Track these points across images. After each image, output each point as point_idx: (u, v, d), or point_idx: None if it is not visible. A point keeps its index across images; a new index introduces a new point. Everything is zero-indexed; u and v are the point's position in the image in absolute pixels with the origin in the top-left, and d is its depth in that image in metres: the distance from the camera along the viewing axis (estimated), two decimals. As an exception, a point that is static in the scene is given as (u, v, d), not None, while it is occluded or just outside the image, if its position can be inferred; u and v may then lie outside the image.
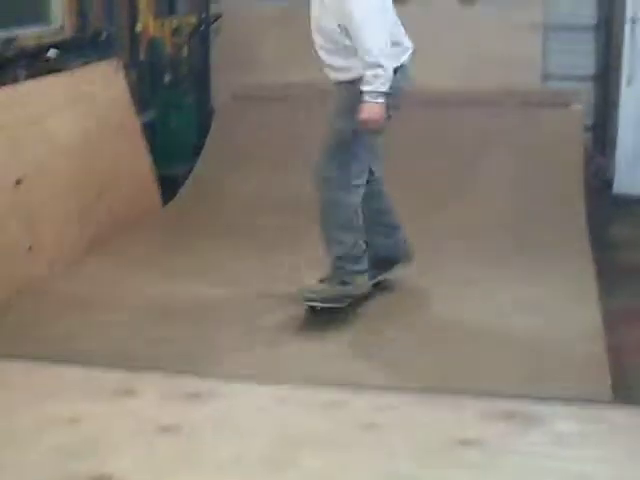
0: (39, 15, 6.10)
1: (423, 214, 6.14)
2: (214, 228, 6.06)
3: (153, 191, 6.41)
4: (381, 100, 4.39)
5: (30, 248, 5.06)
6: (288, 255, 5.45)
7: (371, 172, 4.79)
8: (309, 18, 4.52)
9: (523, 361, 4.13)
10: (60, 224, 5.29)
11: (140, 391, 2.86)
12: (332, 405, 2.85)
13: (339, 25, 4.45)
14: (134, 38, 6.91)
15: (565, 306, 4.82)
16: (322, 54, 4.63)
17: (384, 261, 4.92)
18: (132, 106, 6.35)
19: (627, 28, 6.81)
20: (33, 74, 5.69)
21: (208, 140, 7.16)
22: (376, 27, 4.42)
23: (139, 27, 6.99)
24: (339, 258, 4.61)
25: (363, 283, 4.71)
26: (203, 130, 7.22)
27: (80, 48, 6.15)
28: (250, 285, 5.00)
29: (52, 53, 5.83)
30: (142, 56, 6.97)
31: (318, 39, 4.63)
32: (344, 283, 4.62)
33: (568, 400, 3.38)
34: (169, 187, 6.65)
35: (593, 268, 5.37)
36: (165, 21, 7.24)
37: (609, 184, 7.02)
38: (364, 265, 4.70)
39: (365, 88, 4.38)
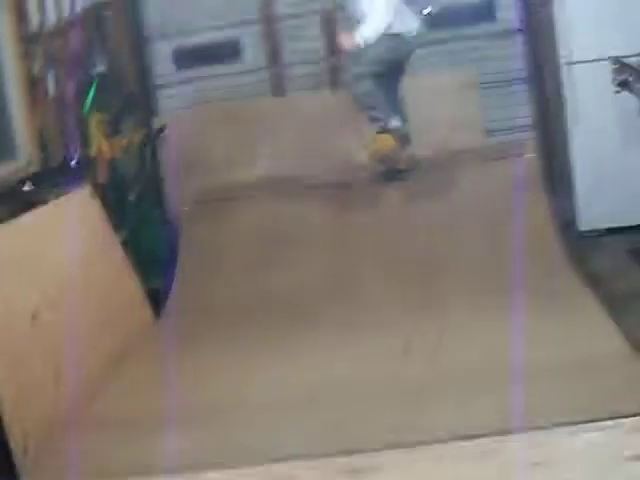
0: (6, 152, 6.00)
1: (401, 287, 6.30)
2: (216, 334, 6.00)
3: (145, 308, 6.35)
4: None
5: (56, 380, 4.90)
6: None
7: None
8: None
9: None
10: (76, 354, 5.18)
11: (300, 477, 2.75)
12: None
13: None
14: (91, 163, 6.86)
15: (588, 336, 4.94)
16: None
17: None
18: (110, 229, 6.30)
19: (564, 71, 7.01)
20: (12, 210, 5.60)
21: (180, 250, 7.13)
22: None
23: (93, 151, 6.93)
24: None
25: None
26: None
27: (52, 179, 6.07)
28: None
29: (28, 186, 5.76)
30: (102, 179, 6.87)
31: None
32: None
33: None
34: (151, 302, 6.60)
35: (594, 298, 5.50)
36: (114, 141, 7.22)
37: (569, 224, 7.20)
38: None
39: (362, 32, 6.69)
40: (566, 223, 7.23)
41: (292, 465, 2.78)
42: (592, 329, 5.05)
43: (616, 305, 5.48)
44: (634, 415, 2.91)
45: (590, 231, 7.23)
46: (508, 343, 5.05)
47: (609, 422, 2.81)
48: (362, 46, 6.75)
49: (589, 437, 2.72)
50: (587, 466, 2.54)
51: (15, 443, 4.16)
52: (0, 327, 4.58)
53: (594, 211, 7.22)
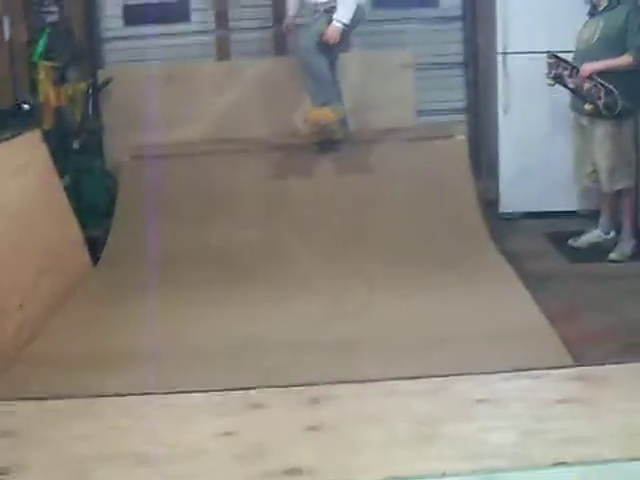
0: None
1: (330, 250, 6.60)
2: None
3: (84, 254, 6.53)
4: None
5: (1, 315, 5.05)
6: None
7: None
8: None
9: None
10: (25, 289, 5.34)
11: (266, 404, 3.01)
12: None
13: None
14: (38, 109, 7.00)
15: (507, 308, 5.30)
16: None
17: None
18: (56, 174, 6.47)
19: (500, 61, 7.36)
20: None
21: (117, 201, 7.31)
22: None
23: (40, 97, 7.06)
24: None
25: None
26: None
27: (3, 120, 6.22)
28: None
29: None
30: (47, 125, 7.01)
31: None
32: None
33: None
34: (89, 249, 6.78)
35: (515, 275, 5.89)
36: (61, 90, 7.36)
37: (490, 204, 7.57)
38: None
39: (338, 16, 6.73)
40: (488, 204, 7.56)
41: (256, 393, 3.05)
42: (512, 302, 5.40)
43: (533, 283, 5.81)
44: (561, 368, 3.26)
45: (510, 213, 7.60)
46: (432, 310, 5.38)
47: (540, 372, 3.15)
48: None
49: (523, 383, 3.07)
50: (523, 405, 2.88)
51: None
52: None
53: (515, 195, 7.58)
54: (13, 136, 6.17)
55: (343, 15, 6.84)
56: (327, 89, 7.11)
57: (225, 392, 3.04)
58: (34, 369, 4.75)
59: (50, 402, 3.00)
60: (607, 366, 3.19)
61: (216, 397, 3.01)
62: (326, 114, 7.13)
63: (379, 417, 2.82)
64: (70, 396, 3.05)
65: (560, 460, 2.47)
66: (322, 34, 6.85)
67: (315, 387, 3.00)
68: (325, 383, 3.05)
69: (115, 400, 3.08)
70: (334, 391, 2.97)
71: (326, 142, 7.38)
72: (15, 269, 5.35)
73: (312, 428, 2.75)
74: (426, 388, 2.97)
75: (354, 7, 6.86)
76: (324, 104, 7.08)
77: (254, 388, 3.06)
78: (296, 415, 2.84)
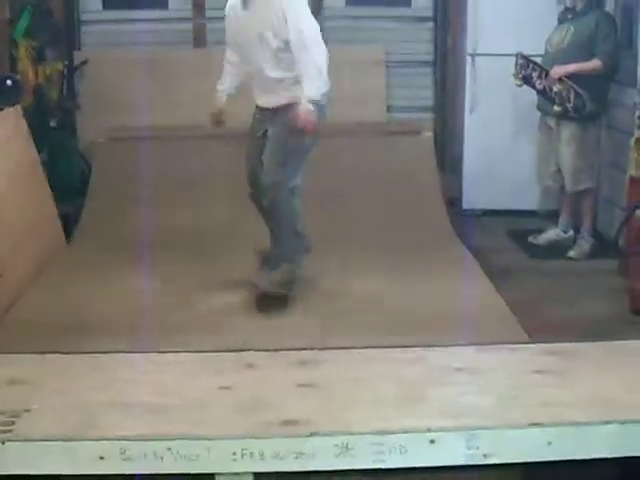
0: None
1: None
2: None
3: (58, 229, 6.67)
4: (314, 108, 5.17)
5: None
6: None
7: None
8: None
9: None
10: (3, 258, 5.48)
11: (258, 364, 3.20)
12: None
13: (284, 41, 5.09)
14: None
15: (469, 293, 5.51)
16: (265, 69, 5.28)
17: None
18: (35, 150, 6.60)
19: (468, 62, 7.60)
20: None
21: (91, 180, 7.45)
22: (323, 47, 5.26)
23: (20, 75, 7.18)
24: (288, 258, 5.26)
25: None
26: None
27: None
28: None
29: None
30: (25, 102, 7.12)
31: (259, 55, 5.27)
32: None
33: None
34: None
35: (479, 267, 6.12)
36: (39, 68, 7.49)
37: (454, 201, 7.81)
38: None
39: (308, 94, 5.18)
40: (452, 201, 7.80)
41: (249, 354, 3.25)
42: (474, 288, 5.64)
43: (494, 276, 6.02)
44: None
45: (472, 210, 7.83)
46: (396, 293, 5.58)
47: (515, 345, 3.38)
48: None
49: (500, 354, 3.29)
50: (500, 374, 3.10)
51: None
52: None
53: (478, 192, 7.79)
54: (-4, 111, 6.28)
55: (312, 91, 5.26)
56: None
57: (219, 353, 3.22)
58: (14, 334, 4.88)
59: (55, 356, 3.16)
60: (578, 343, 3.42)
61: (212, 356, 3.18)
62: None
63: (366, 379, 3.01)
64: (72, 352, 3.20)
65: (535, 421, 2.67)
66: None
67: (303, 351, 3.18)
68: (312, 348, 3.23)
69: (117, 356, 3.24)
70: (321, 356, 3.15)
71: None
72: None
73: (304, 385, 2.92)
74: (408, 356, 3.17)
75: (324, 80, 5.37)
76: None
77: (247, 350, 3.24)
78: (288, 374, 3.02)
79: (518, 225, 7.49)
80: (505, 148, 7.63)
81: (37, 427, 2.69)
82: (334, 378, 3.02)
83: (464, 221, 7.60)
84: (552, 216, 7.22)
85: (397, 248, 6.59)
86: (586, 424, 2.68)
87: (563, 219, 6.92)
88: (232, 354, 3.21)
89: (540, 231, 7.05)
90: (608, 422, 2.68)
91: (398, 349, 3.26)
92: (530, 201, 7.67)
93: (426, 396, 2.86)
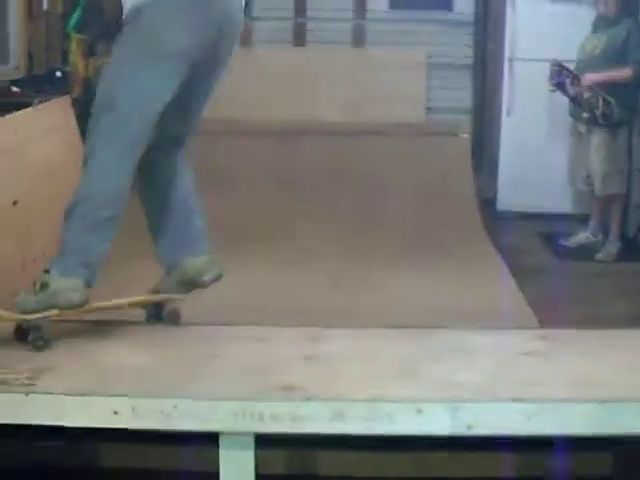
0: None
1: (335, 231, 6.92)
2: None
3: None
4: None
5: (25, 261, 5.47)
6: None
7: None
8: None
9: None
10: (48, 242, 5.74)
11: (264, 338, 3.43)
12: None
13: None
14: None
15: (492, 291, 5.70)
16: None
17: None
18: (80, 139, 6.87)
19: (506, 66, 7.78)
20: (1, 108, 6.15)
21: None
22: None
23: (70, 67, 7.48)
24: None
25: None
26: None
27: (38, 85, 6.64)
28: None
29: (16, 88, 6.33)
30: (75, 94, 7.41)
31: None
32: None
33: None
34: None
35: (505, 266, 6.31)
36: (89, 62, 7.78)
37: (488, 202, 7.99)
38: None
39: None
40: (486, 202, 7.97)
41: (260, 329, 3.49)
42: (498, 286, 5.83)
43: (521, 275, 6.19)
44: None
45: (506, 212, 7.98)
46: (423, 287, 5.78)
47: (513, 331, 3.59)
48: None
49: (495, 337, 3.50)
50: (491, 354, 3.31)
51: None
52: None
53: (513, 195, 7.96)
54: (45, 100, 6.57)
55: None
56: None
57: (231, 327, 3.46)
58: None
59: (82, 324, 3.43)
60: (571, 330, 3.61)
61: (225, 329, 3.43)
62: None
63: (365, 354, 3.24)
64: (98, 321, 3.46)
65: (516, 397, 2.88)
66: None
67: (313, 328, 3.41)
68: (322, 326, 3.46)
69: (141, 327, 3.51)
70: (328, 332, 3.38)
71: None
72: (40, 223, 5.75)
73: (308, 358, 3.16)
74: (407, 335, 3.39)
75: None
76: None
77: (258, 325, 3.49)
78: (294, 348, 3.25)
79: (550, 227, 7.60)
80: (540, 152, 7.78)
81: (58, 383, 2.94)
82: (337, 352, 3.23)
83: (497, 222, 7.73)
84: (584, 219, 7.31)
85: (427, 244, 6.78)
86: (565, 401, 2.87)
87: (593, 223, 7.07)
88: (245, 327, 3.43)
89: (571, 234, 7.15)
90: (587, 400, 2.86)
91: (400, 329, 3.46)
92: (563, 204, 7.78)
93: (418, 371, 3.07)
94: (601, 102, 6.54)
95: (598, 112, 6.56)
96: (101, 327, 3.48)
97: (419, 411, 2.82)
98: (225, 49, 3.64)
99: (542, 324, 5.00)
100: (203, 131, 7.46)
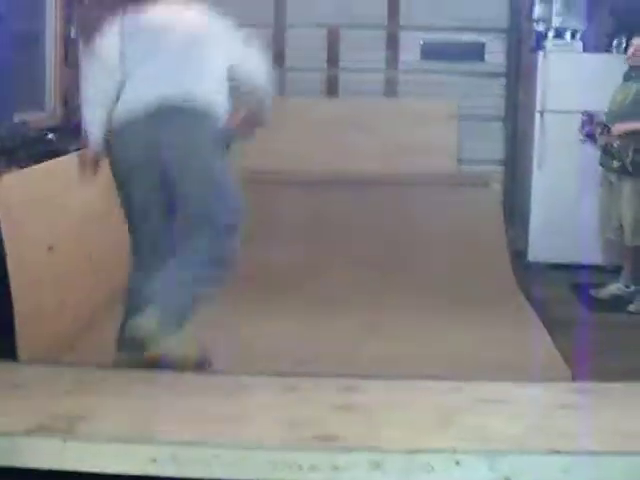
0: (36, 102, 6.66)
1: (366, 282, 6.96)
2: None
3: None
4: None
5: (61, 306, 5.52)
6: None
7: None
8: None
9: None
10: (82, 286, 5.81)
11: (299, 387, 3.44)
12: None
13: None
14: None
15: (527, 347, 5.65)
16: None
17: None
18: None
19: (537, 118, 7.81)
20: (38, 155, 6.23)
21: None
22: None
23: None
24: None
25: None
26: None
27: (74, 133, 6.70)
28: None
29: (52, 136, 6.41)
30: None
31: None
32: None
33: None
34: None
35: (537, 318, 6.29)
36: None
37: (519, 254, 7.98)
38: None
39: None
40: (517, 253, 7.97)
41: (294, 379, 3.50)
42: (533, 342, 5.80)
43: (554, 328, 6.15)
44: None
45: (537, 263, 7.95)
46: (457, 342, 5.77)
47: (550, 383, 3.58)
48: None
49: (532, 390, 3.50)
50: (528, 407, 3.31)
51: (21, 356, 4.55)
52: (21, 254, 5.07)
53: (544, 246, 7.94)
54: (81, 149, 6.61)
55: None
56: None
57: (268, 377, 3.47)
58: (86, 358, 5.15)
59: (120, 370, 3.46)
60: (607, 383, 3.60)
61: (258, 379, 3.44)
62: None
63: (403, 404, 3.24)
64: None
65: (553, 449, 2.88)
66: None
67: (348, 378, 3.42)
68: (356, 376, 3.47)
69: (176, 375, 3.53)
70: (364, 383, 3.39)
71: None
72: (74, 266, 5.81)
73: (344, 408, 3.17)
74: (445, 387, 3.39)
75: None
76: None
77: (291, 375, 3.50)
78: (330, 397, 3.26)
79: (582, 279, 7.54)
80: (571, 202, 7.76)
81: (97, 430, 2.96)
82: (373, 402, 3.24)
83: (528, 274, 7.71)
84: (616, 271, 7.29)
85: (459, 298, 6.75)
86: (601, 454, 2.86)
87: (625, 273, 7.05)
88: (278, 378, 3.45)
89: (603, 285, 7.12)
90: (623, 453, 2.85)
91: (438, 381, 3.47)
92: (595, 255, 7.75)
93: (456, 422, 3.07)
94: (631, 151, 6.54)
95: (628, 161, 6.57)
96: (139, 373, 3.47)
97: (457, 462, 2.82)
98: None
99: (575, 377, 4.95)
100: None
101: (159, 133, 4.19)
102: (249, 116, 4.39)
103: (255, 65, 4.42)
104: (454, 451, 2.83)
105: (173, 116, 4.18)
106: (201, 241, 4.21)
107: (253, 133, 4.53)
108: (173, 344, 3.84)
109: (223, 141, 4.37)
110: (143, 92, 4.27)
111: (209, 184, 4.22)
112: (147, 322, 3.85)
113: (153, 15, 4.45)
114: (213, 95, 4.30)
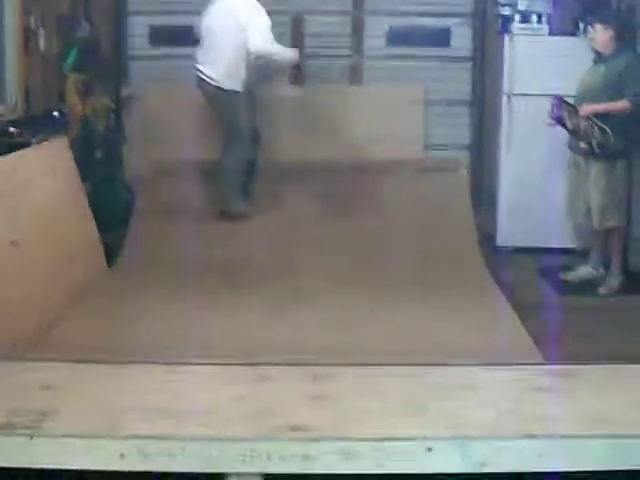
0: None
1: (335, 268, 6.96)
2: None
3: (100, 256, 6.93)
4: None
5: (26, 301, 5.44)
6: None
7: None
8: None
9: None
10: (47, 281, 5.74)
11: (273, 376, 3.40)
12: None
13: None
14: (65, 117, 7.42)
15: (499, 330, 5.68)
16: None
17: None
18: (79, 179, 6.87)
19: (504, 102, 7.79)
20: (-1, 149, 6.16)
21: (135, 210, 7.72)
22: None
23: (67, 107, 7.48)
24: None
25: None
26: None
27: (35, 125, 6.64)
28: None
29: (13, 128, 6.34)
30: (72, 134, 7.41)
31: None
32: None
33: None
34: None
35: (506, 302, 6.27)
36: (87, 101, 7.79)
37: (488, 237, 7.97)
38: None
39: None
40: (486, 237, 7.96)
41: (266, 368, 3.45)
42: (501, 321, 5.80)
43: (522, 311, 6.15)
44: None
45: (506, 247, 7.95)
46: (426, 324, 5.76)
47: (521, 366, 3.55)
48: None
49: (504, 373, 3.47)
50: (501, 391, 3.28)
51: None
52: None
53: (512, 230, 7.94)
54: (43, 141, 6.57)
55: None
56: None
57: (238, 366, 3.42)
58: (53, 354, 5.06)
59: (84, 365, 3.39)
60: (577, 365, 3.58)
61: (230, 369, 3.39)
62: None
63: (373, 392, 3.20)
64: (101, 361, 3.42)
65: (527, 433, 2.84)
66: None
67: (317, 367, 3.38)
68: (325, 364, 3.42)
69: (143, 366, 3.46)
70: (334, 371, 3.34)
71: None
72: (40, 261, 5.73)
73: (314, 397, 3.12)
74: (415, 372, 3.35)
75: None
76: None
77: (262, 364, 3.45)
78: (300, 387, 3.21)
79: (551, 262, 7.56)
80: (539, 186, 7.76)
81: (63, 426, 2.90)
82: (343, 390, 3.20)
83: (498, 257, 7.71)
84: (585, 254, 7.29)
85: (427, 281, 6.77)
86: (576, 437, 2.83)
87: (594, 256, 7.06)
88: (248, 367, 3.39)
89: (572, 268, 7.12)
90: (599, 436, 2.83)
91: (406, 367, 3.43)
92: (563, 239, 7.75)
93: (427, 408, 3.04)
94: (597, 132, 6.52)
95: (594, 142, 6.55)
96: (106, 368, 3.42)
97: (429, 449, 2.78)
98: None
99: (545, 360, 4.94)
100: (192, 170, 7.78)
101: None
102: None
103: (259, 44, 7.22)
104: (425, 438, 2.78)
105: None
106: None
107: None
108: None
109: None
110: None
111: None
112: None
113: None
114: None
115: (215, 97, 7.45)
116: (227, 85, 7.35)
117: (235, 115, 7.43)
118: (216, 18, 7.36)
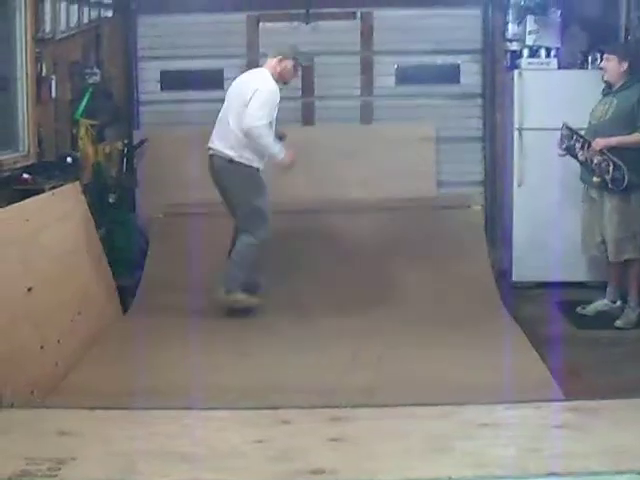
0: (9, 142, 6.60)
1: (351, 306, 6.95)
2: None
3: (115, 301, 6.92)
4: None
5: (42, 348, 5.43)
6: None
7: None
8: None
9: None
10: (63, 327, 5.73)
11: (290, 419, 3.36)
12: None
13: None
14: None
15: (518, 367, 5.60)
16: None
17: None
18: (93, 224, 6.88)
19: (515, 137, 7.79)
20: (12, 195, 6.17)
21: (149, 254, 7.71)
22: None
23: (80, 153, 7.51)
24: None
25: None
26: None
27: (48, 172, 6.66)
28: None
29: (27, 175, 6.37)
30: (85, 179, 7.44)
31: None
32: None
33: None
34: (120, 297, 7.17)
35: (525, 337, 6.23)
36: (99, 147, 7.82)
37: (504, 273, 7.93)
38: None
39: None
40: (501, 273, 7.92)
41: (284, 411, 3.41)
42: (520, 359, 5.75)
43: (541, 346, 6.11)
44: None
45: (522, 282, 7.90)
46: (445, 362, 5.72)
47: (541, 403, 3.51)
48: None
49: (525, 411, 3.43)
50: (522, 429, 3.24)
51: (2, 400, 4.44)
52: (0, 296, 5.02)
53: (528, 265, 7.90)
54: (57, 186, 6.59)
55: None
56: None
57: (256, 410, 3.39)
58: (69, 400, 5.07)
59: (102, 411, 3.36)
60: (597, 401, 3.54)
61: (248, 413, 3.36)
62: None
63: (394, 433, 3.16)
64: (118, 407, 3.40)
65: (551, 471, 2.80)
66: None
67: (337, 409, 3.34)
68: (346, 406, 3.39)
69: (161, 412, 3.43)
70: (353, 412, 3.31)
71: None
72: (55, 308, 5.72)
73: (334, 439, 3.08)
74: (436, 413, 3.31)
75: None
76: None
77: (282, 408, 3.41)
78: (319, 429, 3.18)
79: (567, 296, 7.53)
80: (553, 220, 7.72)
81: (81, 473, 2.87)
82: (363, 432, 3.16)
83: (514, 293, 7.67)
84: (601, 287, 7.24)
85: (445, 318, 6.76)
86: (600, 473, 2.79)
87: (610, 289, 7.01)
88: (268, 411, 3.36)
89: (588, 302, 7.08)
90: (622, 472, 2.78)
91: (428, 407, 3.39)
92: (579, 272, 7.71)
93: (450, 448, 2.99)
94: (611, 167, 6.50)
95: (608, 177, 6.53)
96: (123, 414, 3.39)
97: (453, 489, 2.73)
98: None
99: (565, 395, 4.90)
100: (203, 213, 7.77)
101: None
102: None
103: (249, 131, 6.78)
104: (449, 478, 2.74)
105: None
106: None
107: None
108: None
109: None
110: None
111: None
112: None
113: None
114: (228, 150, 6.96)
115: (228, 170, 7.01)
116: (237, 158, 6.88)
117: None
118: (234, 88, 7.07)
